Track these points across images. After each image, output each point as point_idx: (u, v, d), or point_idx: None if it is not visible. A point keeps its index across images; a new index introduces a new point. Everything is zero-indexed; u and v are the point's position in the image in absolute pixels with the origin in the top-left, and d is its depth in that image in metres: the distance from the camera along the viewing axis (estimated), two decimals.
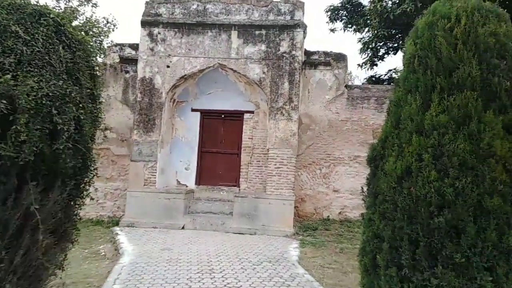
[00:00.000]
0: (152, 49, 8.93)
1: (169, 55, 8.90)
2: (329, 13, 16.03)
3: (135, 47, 9.48)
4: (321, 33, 30.10)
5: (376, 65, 14.56)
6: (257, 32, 8.77)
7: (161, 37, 8.94)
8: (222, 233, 8.27)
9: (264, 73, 8.74)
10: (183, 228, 8.58)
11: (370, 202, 3.79)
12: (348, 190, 9.23)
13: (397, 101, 3.72)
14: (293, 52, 8.71)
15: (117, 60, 9.70)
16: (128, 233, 8.05)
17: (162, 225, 8.57)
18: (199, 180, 9.70)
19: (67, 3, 17.91)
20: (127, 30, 31.71)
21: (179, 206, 8.69)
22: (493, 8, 3.36)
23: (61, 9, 17.61)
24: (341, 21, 16.08)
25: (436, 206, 3.02)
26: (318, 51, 9.56)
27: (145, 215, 8.68)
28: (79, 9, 18.41)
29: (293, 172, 8.56)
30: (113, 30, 18.94)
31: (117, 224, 8.77)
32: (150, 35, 8.95)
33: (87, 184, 4.18)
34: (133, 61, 9.38)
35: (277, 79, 8.70)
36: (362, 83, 14.71)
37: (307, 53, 9.49)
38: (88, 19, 18.51)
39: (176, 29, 8.90)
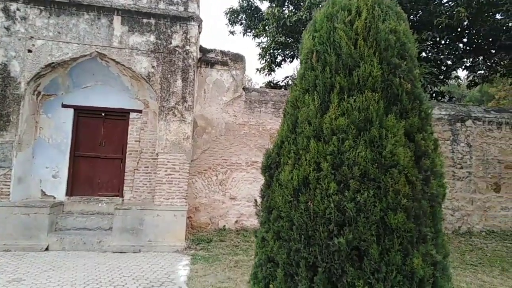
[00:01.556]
0: (8, 28, 7.12)
1: (32, 37, 7.21)
2: (228, 15, 15.73)
3: None
4: (222, 37, 29.87)
5: (274, 71, 14.67)
6: (145, 21, 7.71)
7: (20, 15, 7.19)
8: (98, 254, 6.95)
9: (153, 67, 7.73)
10: (47, 249, 6.98)
11: (264, 217, 3.23)
12: (245, 197, 8.78)
13: (294, 102, 3.24)
14: (187, 47, 7.90)
15: None
16: None
17: (18, 247, 6.84)
18: (71, 190, 8.10)
19: None
20: None
21: (42, 223, 7.06)
22: (392, 5, 3.12)
23: None
24: (240, 24, 15.91)
25: (336, 224, 2.56)
26: (215, 49, 8.94)
27: None
28: None
29: (186, 179, 7.71)
30: None
31: None
32: (6, 10, 7.13)
33: None
34: None
35: (169, 76, 7.78)
36: (260, 87, 14.68)
37: (203, 51, 8.79)
38: None
39: (41, 7, 7.27)
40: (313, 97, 2.95)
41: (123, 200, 8.22)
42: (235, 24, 15.91)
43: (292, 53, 14.32)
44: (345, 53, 2.92)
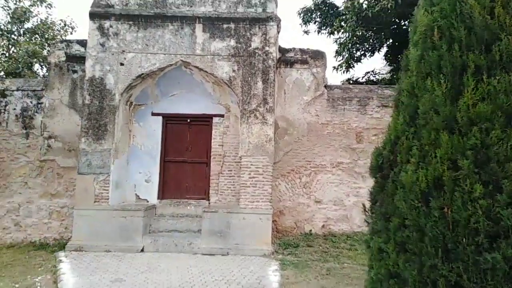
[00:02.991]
0: (102, 45, 7.70)
1: (123, 51, 7.70)
2: (302, 15, 15.42)
3: (84, 43, 8.20)
4: (295, 38, 29.67)
5: (353, 67, 13.93)
6: (225, 26, 7.75)
7: (113, 31, 7.73)
8: (189, 255, 7.09)
9: (234, 71, 7.73)
10: (142, 250, 7.33)
11: (379, 225, 2.81)
12: (331, 200, 8.32)
13: (410, 89, 2.79)
14: (267, 48, 7.76)
15: (63, 59, 8.38)
16: (74, 259, 6.73)
17: (117, 248, 7.28)
18: (162, 194, 8.47)
19: (18, 3, 16.22)
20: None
21: (138, 225, 7.44)
22: None
23: (10, 9, 15.93)
24: (314, 23, 15.49)
25: (486, 236, 2.07)
26: (294, 48, 8.68)
27: (96, 237, 7.36)
28: (31, 10, 16.77)
29: (270, 182, 7.54)
30: (71, 33, 17.50)
31: (64, 248, 7.40)
32: (101, 28, 7.73)
33: None
34: (82, 59, 8.10)
35: (249, 78, 7.71)
36: (342, 83, 14.02)
37: (282, 51, 8.58)
38: (42, 21, 16.89)
39: (131, 22, 7.73)
40: (439, 81, 2.48)
41: (209, 203, 8.34)
42: (308, 23, 15.55)
43: (371, 47, 13.42)
44: (478, 25, 2.41)
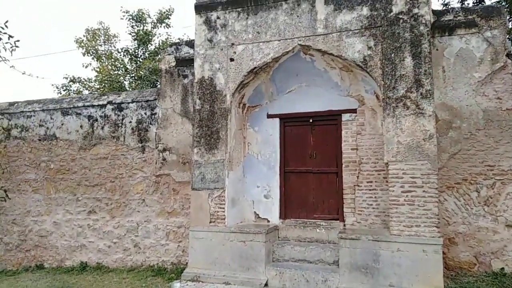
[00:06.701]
0: (210, 40, 6.70)
1: (233, 44, 6.54)
2: None
3: (192, 44, 7.38)
4: None
5: None
6: None
7: (221, 23, 6.67)
8: None
9: (370, 48, 5.78)
10: (266, 285, 5.90)
11: None
12: None
13: None
14: (415, 10, 5.60)
15: (174, 64, 7.72)
16: None
17: (237, 280, 6.02)
18: (284, 212, 6.94)
19: (140, 26, 17.35)
20: None
21: (259, 252, 6.05)
22: None
23: (136, 34, 17.10)
24: None
25: None
26: (453, 9, 6.22)
27: (213, 264, 6.26)
28: (153, 31, 17.83)
29: (436, 198, 5.27)
30: None
31: (180, 275, 6.51)
32: (207, 22, 6.75)
33: None
34: (191, 62, 7.25)
35: (393, 55, 5.65)
36: None
37: (435, 14, 6.23)
38: (163, 42, 17.80)
39: (239, 9, 6.55)
40: None
41: (344, 225, 6.47)
42: None
43: None
44: None
